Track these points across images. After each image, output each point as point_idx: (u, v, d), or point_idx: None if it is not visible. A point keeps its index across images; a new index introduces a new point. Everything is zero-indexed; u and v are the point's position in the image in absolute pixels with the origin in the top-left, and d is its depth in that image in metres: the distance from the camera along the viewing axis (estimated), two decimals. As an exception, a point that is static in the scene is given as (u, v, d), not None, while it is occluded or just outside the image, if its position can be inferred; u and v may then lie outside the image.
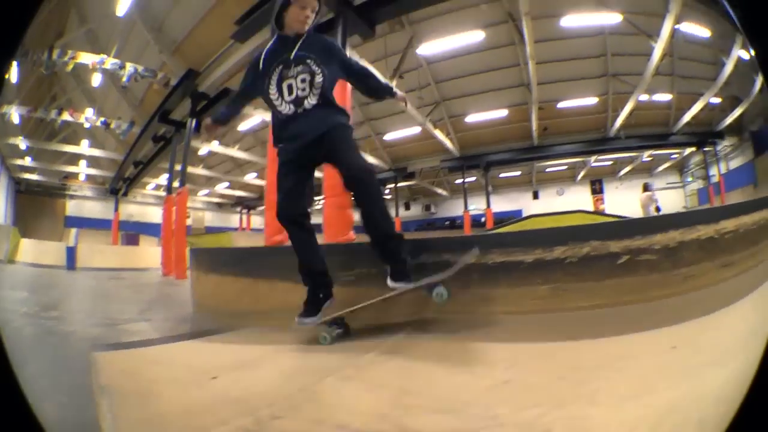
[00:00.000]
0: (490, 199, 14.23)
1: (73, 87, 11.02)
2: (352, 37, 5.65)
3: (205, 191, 19.18)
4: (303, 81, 1.74)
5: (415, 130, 12.53)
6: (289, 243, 1.86)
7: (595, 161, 16.41)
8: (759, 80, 8.08)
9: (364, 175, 1.69)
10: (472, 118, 12.54)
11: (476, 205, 15.72)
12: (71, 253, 9.70)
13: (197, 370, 1.48)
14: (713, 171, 13.35)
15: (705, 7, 7.40)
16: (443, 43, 9.22)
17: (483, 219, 14.26)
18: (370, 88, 1.93)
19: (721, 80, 9.51)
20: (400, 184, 15.75)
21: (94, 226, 15.03)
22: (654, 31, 8.12)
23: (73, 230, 13.70)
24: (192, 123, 7.89)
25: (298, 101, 1.75)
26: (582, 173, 17.94)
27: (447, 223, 16.87)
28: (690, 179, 16.30)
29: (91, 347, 1.79)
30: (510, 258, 2.01)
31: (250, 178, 17.00)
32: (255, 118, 10.94)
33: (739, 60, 8.53)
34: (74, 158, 14.19)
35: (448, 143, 13.24)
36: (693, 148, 13.63)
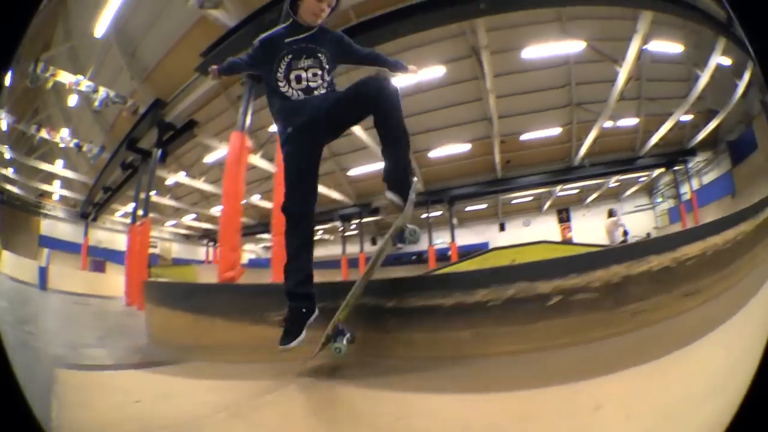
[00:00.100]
0: (454, 233, 14.43)
1: (53, 104, 10.89)
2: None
3: (173, 222, 18.92)
4: (315, 75, 1.79)
5: (379, 165, 12.51)
6: (238, 281, 1.91)
7: (561, 191, 16.52)
8: (743, 83, 8.36)
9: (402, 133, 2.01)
10: (435, 153, 12.60)
11: (442, 239, 15.77)
12: (43, 273, 9.50)
13: (129, 394, 1.73)
14: (684, 189, 13.38)
15: (681, 20, 7.37)
16: (405, 79, 9.40)
17: (449, 253, 14.47)
18: (384, 67, 2.08)
19: (693, 96, 9.69)
20: (365, 220, 15.56)
21: (66, 249, 14.57)
22: (620, 55, 8.30)
23: (45, 251, 13.32)
24: (158, 153, 7.85)
25: (308, 90, 1.79)
26: (548, 203, 17.98)
27: (414, 257, 16.68)
28: (660, 200, 16.47)
29: (54, 363, 2.12)
30: (428, 302, 1.99)
31: (216, 210, 16.79)
32: (221, 150, 10.81)
33: (718, 68, 8.56)
34: (49, 177, 13.90)
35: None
36: (662, 169, 13.84)
